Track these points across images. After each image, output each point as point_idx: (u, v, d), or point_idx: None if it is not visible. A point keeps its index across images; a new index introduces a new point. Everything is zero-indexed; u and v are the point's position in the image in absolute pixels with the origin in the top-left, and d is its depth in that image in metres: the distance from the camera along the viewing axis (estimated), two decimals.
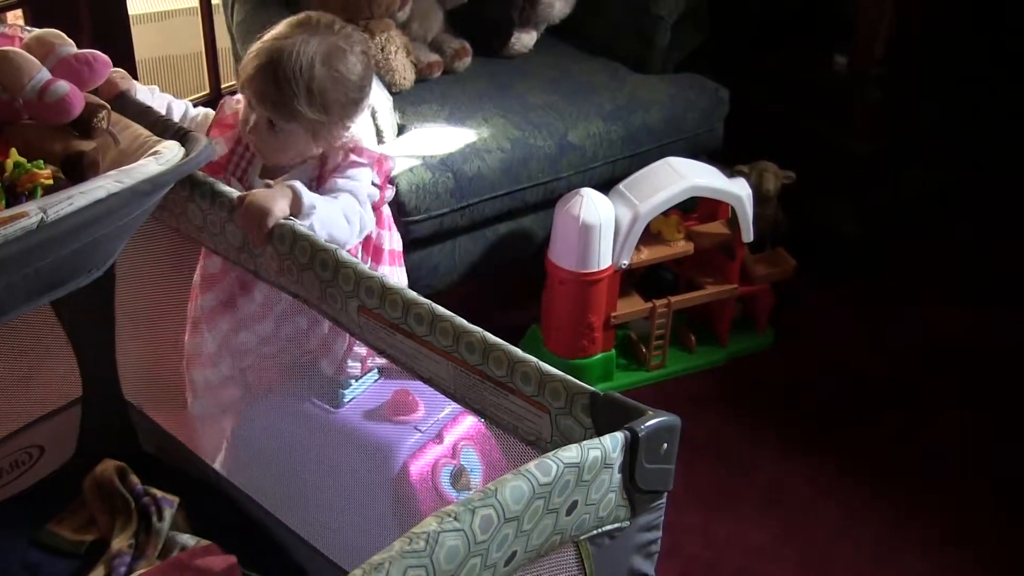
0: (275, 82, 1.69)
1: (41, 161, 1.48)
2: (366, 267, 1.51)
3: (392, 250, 1.90)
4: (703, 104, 2.84)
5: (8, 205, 1.41)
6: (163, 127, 1.59)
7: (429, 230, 2.47)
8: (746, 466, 2.47)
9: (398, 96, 2.67)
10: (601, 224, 2.42)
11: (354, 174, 1.76)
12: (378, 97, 2.45)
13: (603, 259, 2.47)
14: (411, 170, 2.43)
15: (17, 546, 1.90)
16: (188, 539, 1.89)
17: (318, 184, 1.77)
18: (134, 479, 1.97)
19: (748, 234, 2.62)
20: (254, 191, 1.62)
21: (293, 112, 1.70)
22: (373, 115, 2.41)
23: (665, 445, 1.20)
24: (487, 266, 2.66)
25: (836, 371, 2.74)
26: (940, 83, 3.25)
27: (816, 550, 2.27)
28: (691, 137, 2.83)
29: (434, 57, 2.80)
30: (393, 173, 2.22)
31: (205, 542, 1.88)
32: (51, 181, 1.45)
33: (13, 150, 1.47)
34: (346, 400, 1.86)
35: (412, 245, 2.41)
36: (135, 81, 1.74)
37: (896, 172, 3.17)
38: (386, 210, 1.88)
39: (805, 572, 2.22)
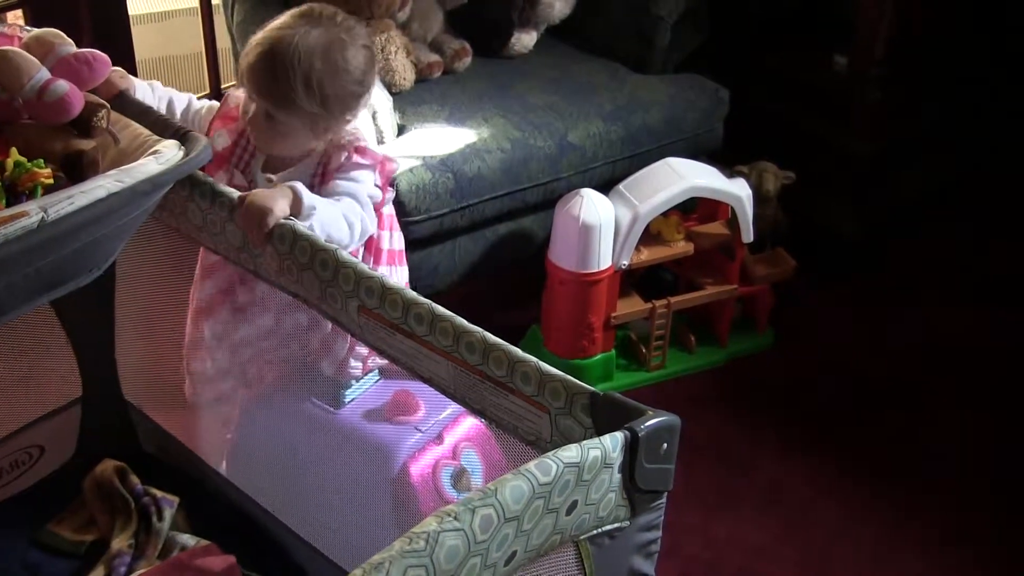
0: (273, 72, 1.67)
1: (41, 160, 1.47)
2: (366, 267, 1.50)
3: (392, 250, 1.89)
4: (703, 104, 2.84)
5: (8, 204, 1.41)
6: (163, 126, 1.59)
7: (429, 230, 2.47)
8: (746, 466, 2.47)
9: (398, 96, 2.67)
10: (601, 224, 2.42)
11: (357, 175, 1.75)
12: (378, 97, 2.45)
13: (603, 259, 2.47)
14: (411, 170, 2.43)
15: (17, 546, 1.90)
16: (188, 539, 1.89)
17: (320, 182, 1.76)
18: (134, 479, 1.97)
19: (748, 234, 2.62)
20: (254, 191, 1.61)
21: (290, 104, 1.68)
22: (373, 116, 2.41)
23: (665, 445, 1.20)
24: (487, 266, 2.66)
25: (836, 371, 2.74)
26: (940, 83, 3.25)
27: (816, 550, 2.27)
28: (691, 137, 2.82)
29: (434, 57, 2.80)
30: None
31: (205, 542, 1.88)
32: (51, 180, 1.45)
33: (13, 149, 1.47)
34: (347, 400, 1.86)
35: (412, 245, 2.41)
36: (133, 77, 1.74)
37: (896, 172, 3.16)
38: (388, 210, 1.87)
39: (805, 572, 2.22)
